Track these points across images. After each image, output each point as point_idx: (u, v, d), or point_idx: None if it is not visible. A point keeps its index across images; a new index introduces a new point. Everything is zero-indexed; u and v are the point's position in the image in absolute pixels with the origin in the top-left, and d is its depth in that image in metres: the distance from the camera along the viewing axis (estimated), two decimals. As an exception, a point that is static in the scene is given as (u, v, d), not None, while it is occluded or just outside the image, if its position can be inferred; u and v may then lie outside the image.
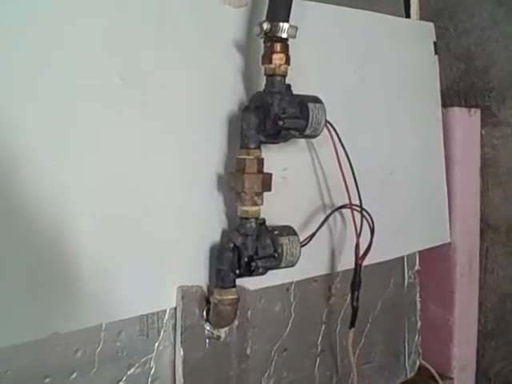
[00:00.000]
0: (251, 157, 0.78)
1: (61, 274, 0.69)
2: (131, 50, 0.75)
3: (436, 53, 1.18)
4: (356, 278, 0.91)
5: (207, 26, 0.82)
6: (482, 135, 1.25)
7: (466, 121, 1.22)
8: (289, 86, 0.80)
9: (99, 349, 0.73)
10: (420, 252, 1.18)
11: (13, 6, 0.64)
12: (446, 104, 1.22)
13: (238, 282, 0.81)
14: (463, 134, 1.21)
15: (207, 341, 0.81)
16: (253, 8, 0.86)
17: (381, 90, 1.07)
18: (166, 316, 0.79)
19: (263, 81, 0.81)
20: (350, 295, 0.95)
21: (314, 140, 0.90)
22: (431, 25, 1.18)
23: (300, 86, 0.82)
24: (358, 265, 0.91)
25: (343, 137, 0.89)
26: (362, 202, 0.90)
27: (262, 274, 0.80)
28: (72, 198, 0.69)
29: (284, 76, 0.79)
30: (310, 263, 0.91)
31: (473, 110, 1.23)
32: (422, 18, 1.23)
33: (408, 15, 1.21)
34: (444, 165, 1.19)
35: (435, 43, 1.18)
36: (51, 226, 0.68)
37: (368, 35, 1.04)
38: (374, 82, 1.06)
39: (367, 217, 0.90)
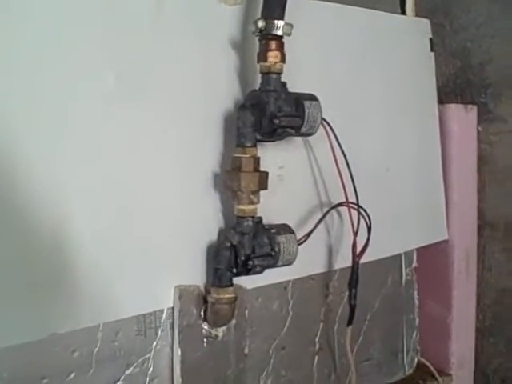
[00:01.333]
0: (247, 155, 0.78)
1: (58, 275, 0.69)
2: (126, 48, 0.75)
3: (432, 49, 1.17)
4: (353, 275, 0.91)
5: (203, 24, 0.82)
6: (478, 132, 1.24)
7: (463, 117, 1.22)
8: (284, 84, 0.80)
9: (97, 349, 0.73)
10: (417, 249, 1.18)
11: (9, 6, 0.64)
12: (442, 101, 1.21)
13: (235, 280, 0.81)
14: (460, 131, 1.21)
15: (205, 340, 0.81)
16: (248, 6, 0.86)
17: (377, 87, 1.07)
18: (164, 315, 0.79)
19: (259, 79, 0.81)
20: (347, 293, 0.95)
21: (310, 138, 0.89)
22: (427, 21, 1.18)
23: (296, 83, 0.82)
24: (355, 263, 0.91)
25: (339, 134, 0.88)
26: (359, 199, 0.90)
27: (259, 272, 0.80)
28: (69, 197, 0.69)
29: (279, 74, 0.79)
30: (307, 261, 0.91)
31: (469, 106, 1.23)
32: (418, 14, 1.23)
33: (404, 12, 1.21)
34: (441, 161, 1.18)
35: (431, 40, 1.18)
36: (49, 227, 0.68)
37: (364, 32, 1.04)
38: (370, 79, 1.06)
39: (364, 214, 0.90)
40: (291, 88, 0.81)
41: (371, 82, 1.06)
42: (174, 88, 0.79)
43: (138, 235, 0.76)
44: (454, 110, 1.21)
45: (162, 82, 0.78)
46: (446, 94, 1.27)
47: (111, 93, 0.73)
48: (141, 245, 0.76)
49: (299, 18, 0.81)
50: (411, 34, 1.14)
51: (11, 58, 0.65)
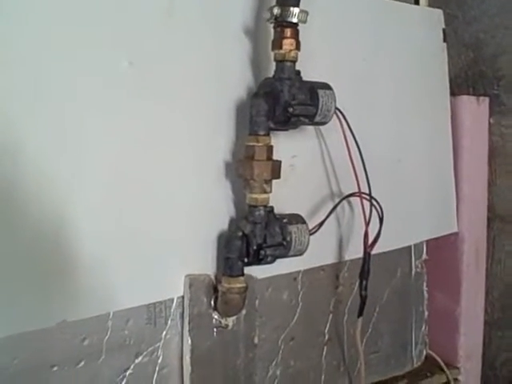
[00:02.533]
0: (260, 144, 0.77)
1: (68, 263, 0.69)
2: (140, 36, 0.74)
3: (445, 40, 1.16)
4: (365, 266, 0.91)
5: (215, 12, 0.82)
6: (490, 124, 1.23)
7: (475, 109, 1.21)
8: (298, 72, 0.79)
9: (107, 337, 0.73)
10: (427, 241, 1.17)
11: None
12: (454, 92, 1.20)
13: (246, 270, 0.80)
14: (471, 123, 1.20)
15: (215, 329, 0.81)
16: (261, -7, 0.85)
17: (389, 78, 1.06)
18: (174, 304, 0.79)
19: (272, 67, 0.80)
20: (357, 284, 0.94)
21: (322, 127, 0.88)
22: (440, 12, 1.17)
23: (308, 72, 0.81)
24: (366, 254, 0.90)
25: (351, 123, 0.88)
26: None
27: (271, 262, 0.79)
28: (81, 187, 0.69)
29: (294, 62, 0.78)
30: (318, 252, 0.90)
31: (481, 98, 1.21)
32: (431, 4, 1.21)
33: (417, 2, 1.20)
34: (452, 153, 1.17)
35: (444, 30, 1.16)
36: (60, 216, 0.67)
37: (377, 22, 1.03)
38: (383, 70, 1.05)
39: (376, 205, 0.89)
40: (303, 77, 0.80)
41: (383, 72, 1.05)
42: (186, 76, 0.78)
43: (149, 224, 0.75)
44: (466, 101, 1.20)
45: (175, 71, 0.77)
46: (458, 86, 1.25)
47: (124, 81, 0.72)
48: (152, 234, 0.76)
49: (312, 6, 0.80)
50: (424, 24, 1.13)
51: (19, 47, 0.64)
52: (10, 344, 0.64)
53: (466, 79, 1.27)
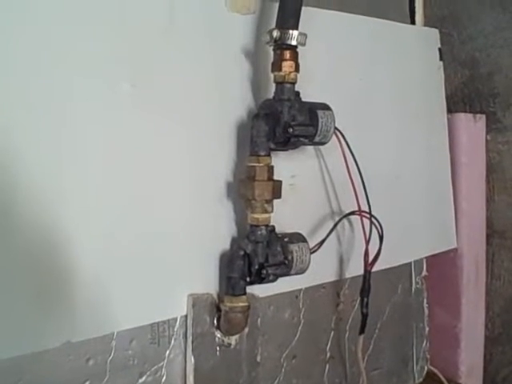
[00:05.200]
0: (261, 164, 0.78)
1: (71, 284, 0.69)
2: (140, 57, 0.75)
3: (441, 59, 1.18)
4: (365, 284, 0.91)
5: (215, 33, 0.83)
6: (487, 141, 1.24)
7: (471, 126, 1.22)
8: (298, 94, 0.80)
9: (111, 357, 0.73)
10: (427, 257, 1.18)
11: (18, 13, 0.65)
12: (450, 110, 1.22)
13: (247, 289, 0.81)
14: (468, 140, 1.21)
15: (218, 348, 0.81)
16: (261, 15, 0.86)
17: (387, 96, 1.07)
18: (177, 324, 0.79)
19: (271, 88, 0.81)
20: (358, 301, 0.95)
21: (321, 147, 0.89)
22: (436, 31, 1.19)
23: (307, 92, 0.82)
24: (367, 271, 0.91)
25: (350, 143, 0.89)
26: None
27: (273, 281, 0.80)
28: (81, 206, 0.70)
29: (293, 83, 0.79)
30: (319, 270, 0.91)
31: (478, 115, 1.23)
32: (427, 24, 1.23)
33: (413, 21, 1.22)
34: (450, 170, 1.19)
35: (440, 49, 1.18)
36: (61, 237, 0.68)
37: (374, 41, 1.05)
38: (380, 89, 1.06)
39: (376, 223, 0.90)
40: (302, 97, 0.81)
41: (381, 91, 1.06)
42: (187, 97, 0.80)
43: (151, 244, 0.76)
44: (463, 119, 1.21)
45: (175, 92, 0.78)
46: (454, 104, 1.27)
47: (125, 101, 0.73)
48: (154, 253, 0.76)
49: (310, 28, 0.81)
50: (421, 43, 1.15)
51: (15, 70, 0.65)
52: (14, 365, 0.64)
53: (462, 97, 1.28)
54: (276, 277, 0.80)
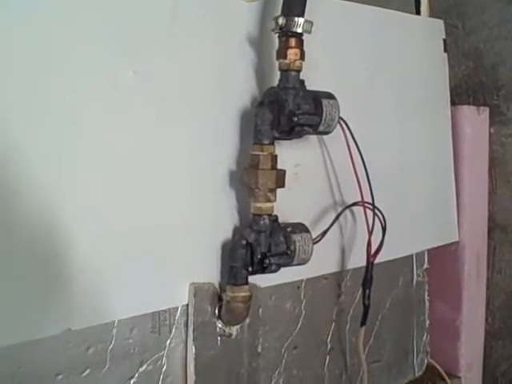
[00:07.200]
0: (265, 153, 0.77)
1: (73, 271, 0.68)
2: (144, 45, 0.74)
3: (445, 50, 1.17)
4: (368, 276, 0.91)
5: (220, 21, 0.82)
6: (490, 133, 1.24)
7: (475, 119, 1.22)
8: (303, 82, 0.79)
9: (111, 346, 0.72)
10: (428, 250, 1.17)
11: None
12: (454, 102, 1.21)
13: (249, 279, 0.80)
14: (472, 133, 1.21)
15: (219, 338, 0.81)
16: (266, 2, 0.85)
17: (391, 87, 1.06)
18: (178, 313, 0.78)
19: (276, 76, 0.80)
20: (359, 293, 0.95)
21: (325, 136, 0.89)
22: (441, 22, 1.18)
23: (311, 81, 0.81)
24: (369, 263, 0.90)
25: (354, 133, 0.88)
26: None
27: (275, 271, 0.79)
28: (83, 195, 0.69)
29: (299, 71, 0.78)
30: (321, 261, 0.90)
31: (481, 108, 1.22)
32: (431, 15, 1.22)
33: (418, 12, 1.21)
34: (452, 163, 1.18)
35: (445, 40, 1.17)
36: (61, 223, 0.67)
37: (378, 32, 1.04)
38: (384, 79, 1.05)
39: (379, 214, 0.89)
40: (306, 86, 0.81)
41: (385, 82, 1.05)
42: (190, 84, 0.79)
43: (153, 232, 0.75)
44: (467, 111, 1.20)
45: (179, 79, 0.77)
46: (458, 96, 1.26)
47: (127, 89, 0.72)
48: (156, 242, 0.76)
49: (315, 16, 0.80)
50: (425, 34, 1.14)
51: (20, 58, 0.64)
52: (14, 352, 0.64)
53: (466, 89, 1.28)
54: (278, 267, 0.79)
